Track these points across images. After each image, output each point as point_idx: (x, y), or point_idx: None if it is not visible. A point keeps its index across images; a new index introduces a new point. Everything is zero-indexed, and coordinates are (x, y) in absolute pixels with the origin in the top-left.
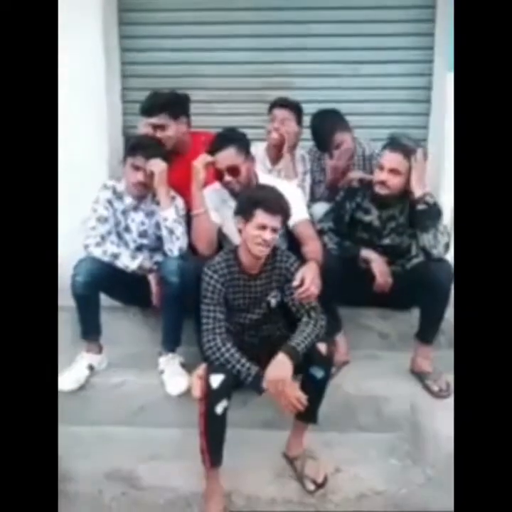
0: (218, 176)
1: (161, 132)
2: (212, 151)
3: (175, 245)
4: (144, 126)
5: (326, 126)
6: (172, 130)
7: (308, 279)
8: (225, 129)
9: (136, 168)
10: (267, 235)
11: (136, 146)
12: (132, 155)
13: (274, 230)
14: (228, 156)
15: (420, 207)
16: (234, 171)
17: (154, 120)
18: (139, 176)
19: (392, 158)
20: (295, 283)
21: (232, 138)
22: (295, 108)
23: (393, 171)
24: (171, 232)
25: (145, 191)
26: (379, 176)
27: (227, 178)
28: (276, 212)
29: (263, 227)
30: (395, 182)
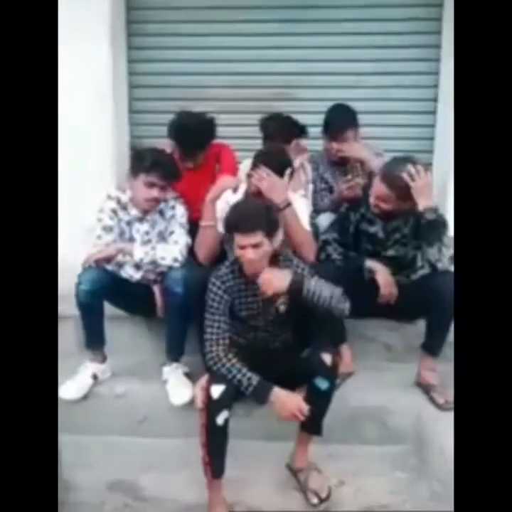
0: None
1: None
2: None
3: (167, 262)
4: (169, 147)
5: (339, 123)
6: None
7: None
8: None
9: (151, 185)
10: (249, 253)
11: (153, 165)
12: (147, 172)
13: (255, 247)
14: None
15: (423, 222)
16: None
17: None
18: (154, 193)
19: (378, 189)
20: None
21: None
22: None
23: (379, 198)
24: (155, 260)
25: (156, 205)
26: (371, 199)
27: None
28: (252, 230)
29: (243, 248)
30: (385, 207)
